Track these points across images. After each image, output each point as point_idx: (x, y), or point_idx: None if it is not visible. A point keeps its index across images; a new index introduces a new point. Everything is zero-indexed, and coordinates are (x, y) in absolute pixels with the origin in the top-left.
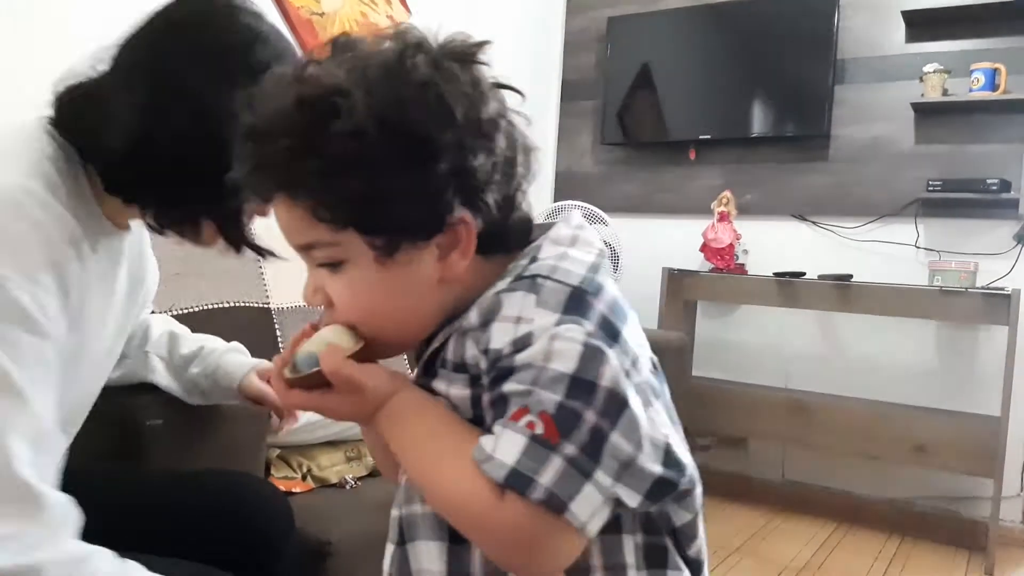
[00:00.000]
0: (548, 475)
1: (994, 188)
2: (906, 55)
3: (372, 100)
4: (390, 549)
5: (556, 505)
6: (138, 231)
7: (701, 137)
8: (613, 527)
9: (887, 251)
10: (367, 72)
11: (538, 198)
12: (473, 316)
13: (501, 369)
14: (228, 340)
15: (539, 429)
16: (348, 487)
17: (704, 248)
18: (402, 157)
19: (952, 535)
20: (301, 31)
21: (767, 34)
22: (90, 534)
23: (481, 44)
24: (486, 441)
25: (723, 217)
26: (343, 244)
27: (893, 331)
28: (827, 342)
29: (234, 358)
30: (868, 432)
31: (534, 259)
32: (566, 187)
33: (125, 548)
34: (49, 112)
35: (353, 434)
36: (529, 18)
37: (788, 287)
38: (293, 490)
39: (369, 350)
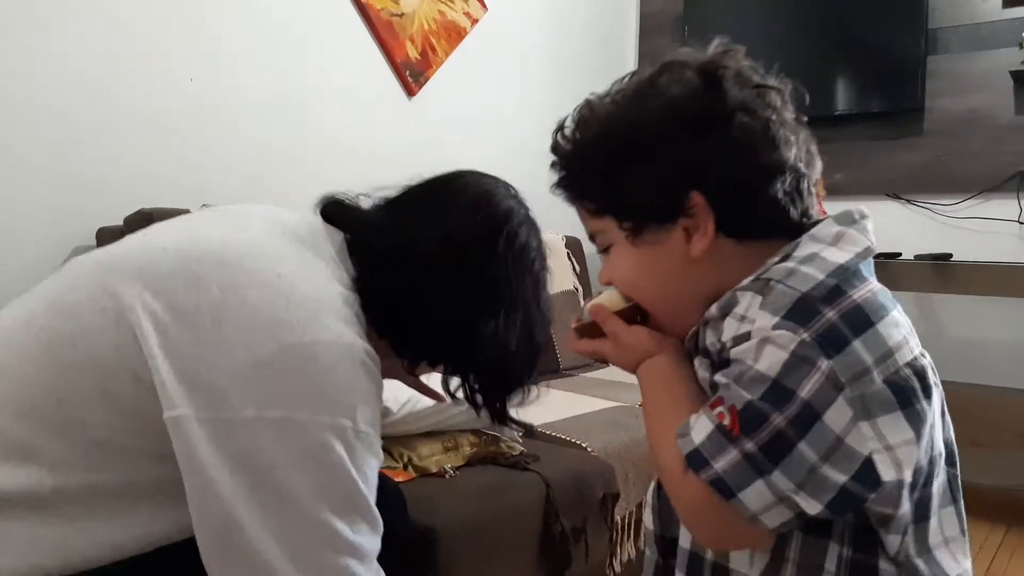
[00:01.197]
0: (721, 462)
1: None
2: (1003, 21)
3: (617, 111)
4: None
5: (723, 490)
6: None
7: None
8: (822, 530)
9: (988, 228)
10: (624, 92)
11: None
12: (714, 308)
13: (722, 360)
14: None
15: (725, 420)
16: (447, 476)
17: None
18: (628, 152)
19: None
20: (382, 32)
21: (853, 4)
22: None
23: (726, 53)
24: (691, 419)
25: None
26: (607, 230)
27: (996, 311)
28: (926, 324)
29: None
30: (971, 417)
31: (787, 256)
32: None
33: None
34: (342, 233)
35: (450, 425)
36: (603, 4)
37: (883, 268)
38: (396, 479)
39: (644, 315)
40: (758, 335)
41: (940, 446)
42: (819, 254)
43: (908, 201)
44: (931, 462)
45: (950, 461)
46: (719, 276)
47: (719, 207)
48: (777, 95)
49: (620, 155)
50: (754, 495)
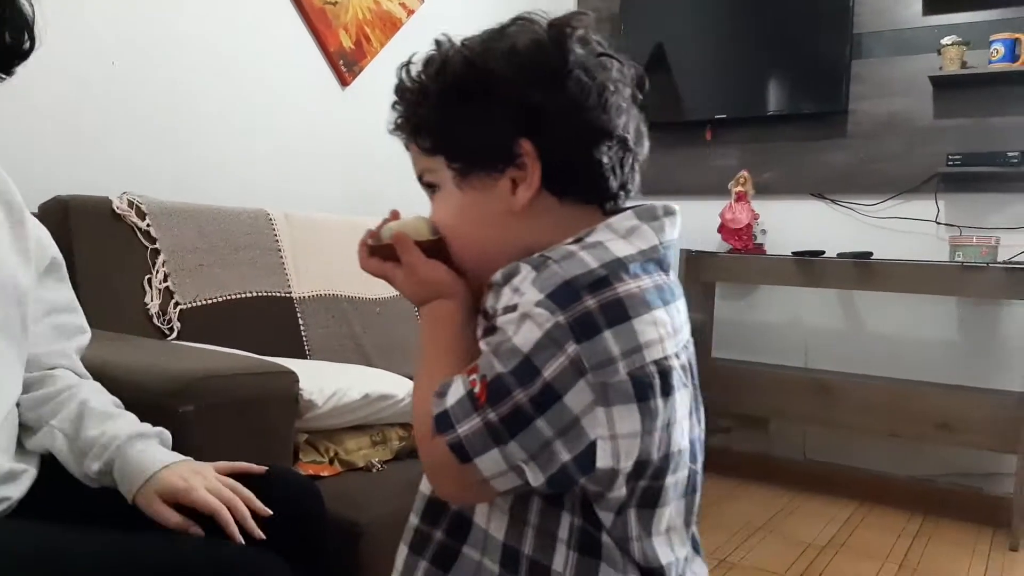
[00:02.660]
0: (464, 427)
1: (1015, 161)
2: (924, 28)
3: (462, 51)
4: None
5: (461, 454)
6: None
7: (717, 116)
8: (555, 501)
9: (907, 227)
10: (468, 38)
11: None
12: (499, 274)
13: (489, 326)
14: (253, 329)
15: (476, 388)
16: (374, 470)
17: (722, 229)
18: (467, 90)
19: (976, 512)
20: (316, 21)
21: (783, 9)
22: (128, 519)
23: (575, 15)
24: (451, 379)
25: (740, 197)
26: (436, 170)
27: (914, 308)
28: (847, 321)
29: (135, 458)
30: (890, 410)
31: (579, 239)
32: None
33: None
34: None
35: (378, 419)
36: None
37: (807, 266)
38: (321, 474)
39: (444, 251)
40: (522, 308)
41: (683, 443)
42: (604, 243)
43: (832, 201)
44: (667, 457)
45: (692, 458)
46: (534, 234)
47: (547, 160)
48: (619, 69)
49: (458, 92)
50: (489, 461)
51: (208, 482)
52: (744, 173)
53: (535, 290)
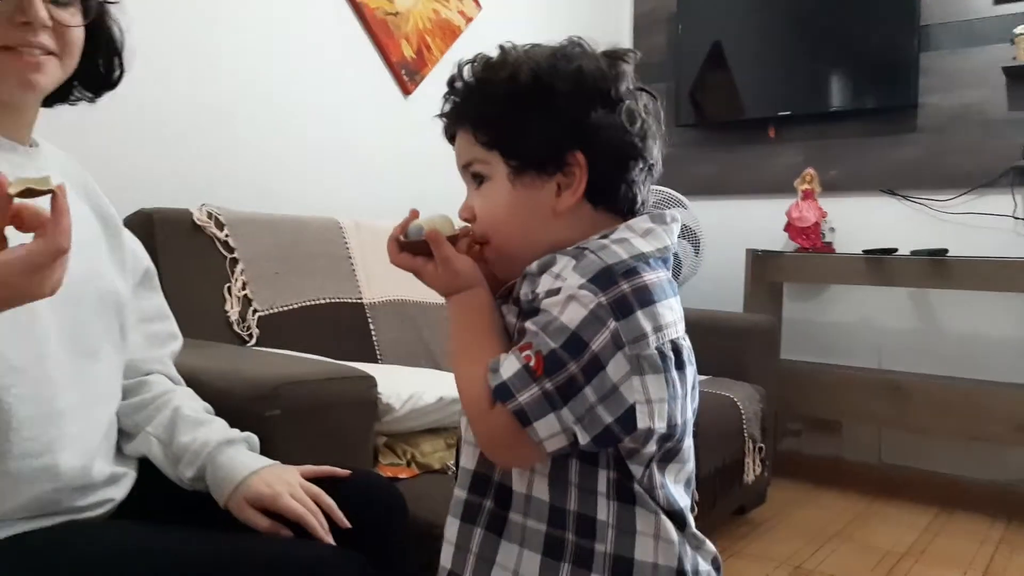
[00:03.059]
0: (524, 396)
1: None
2: (995, 17)
3: (530, 62)
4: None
5: (523, 418)
6: (76, 173)
7: (780, 114)
8: (590, 459)
9: (983, 223)
10: (537, 50)
11: None
12: (534, 265)
13: (533, 308)
14: (327, 335)
15: (532, 362)
16: (449, 472)
17: (788, 228)
18: (535, 98)
19: None
20: (378, 31)
21: (846, 2)
22: (219, 519)
23: (628, 51)
24: (500, 357)
25: (807, 195)
26: (489, 162)
27: (992, 306)
28: (922, 320)
29: (225, 464)
30: (968, 412)
31: (606, 235)
32: None
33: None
34: None
35: (453, 422)
36: (596, 4)
37: (879, 264)
38: (399, 476)
39: (467, 242)
40: (567, 291)
41: (689, 414)
42: (629, 240)
43: (903, 197)
44: (686, 422)
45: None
46: (570, 233)
47: (593, 171)
48: (652, 102)
49: (526, 98)
50: (544, 425)
51: (293, 489)
52: (810, 170)
53: (577, 276)
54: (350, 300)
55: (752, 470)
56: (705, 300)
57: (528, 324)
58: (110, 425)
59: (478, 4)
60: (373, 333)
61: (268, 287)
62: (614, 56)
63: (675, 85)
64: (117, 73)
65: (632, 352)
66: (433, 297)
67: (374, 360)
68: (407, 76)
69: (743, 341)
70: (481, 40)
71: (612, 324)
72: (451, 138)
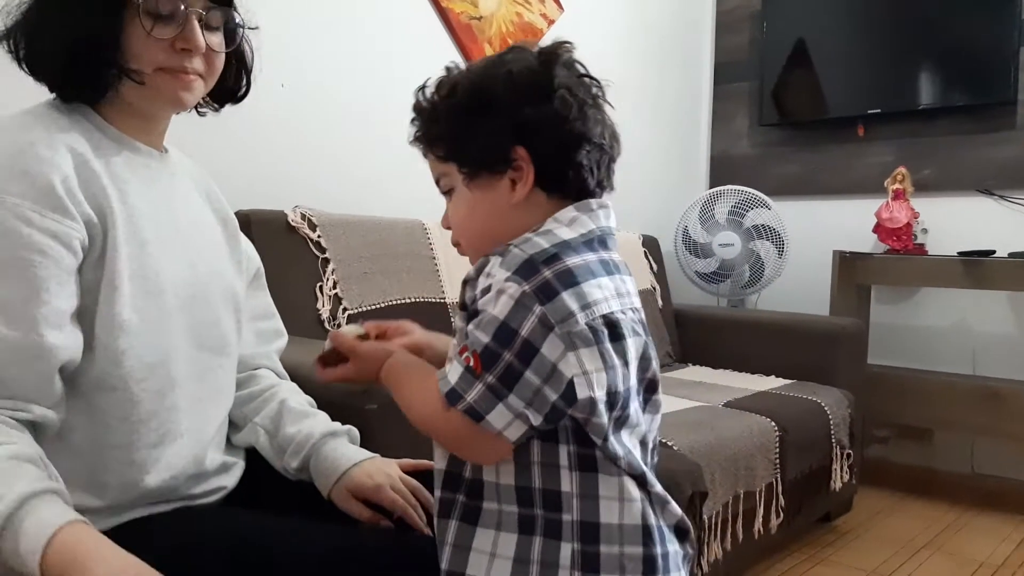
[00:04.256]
0: (472, 394)
1: None
2: None
3: (467, 76)
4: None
5: (475, 415)
6: (201, 177)
7: (869, 111)
8: (551, 437)
9: None
10: (472, 64)
11: (692, 184)
12: (472, 270)
13: (473, 311)
14: None
15: (472, 362)
16: None
17: (878, 229)
18: (472, 107)
19: None
20: (462, 35)
21: None
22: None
23: (562, 43)
24: (446, 367)
25: (898, 195)
26: (450, 175)
27: None
28: (1020, 324)
29: (329, 455)
30: None
31: (534, 230)
32: (721, 171)
33: None
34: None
35: None
36: (677, 3)
37: (974, 267)
38: None
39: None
40: (496, 287)
41: (632, 382)
42: (552, 231)
43: (1001, 197)
44: (628, 389)
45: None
46: (528, 222)
47: (538, 163)
48: (596, 87)
49: (465, 109)
50: (497, 416)
51: (393, 482)
52: (902, 170)
53: (503, 270)
54: (433, 299)
55: (840, 477)
56: (790, 302)
57: (469, 326)
58: (224, 417)
59: (560, 6)
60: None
61: (357, 286)
62: (547, 52)
63: (759, 85)
64: (244, 89)
65: (563, 331)
66: None
67: None
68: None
69: (830, 345)
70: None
71: (538, 309)
72: (425, 155)
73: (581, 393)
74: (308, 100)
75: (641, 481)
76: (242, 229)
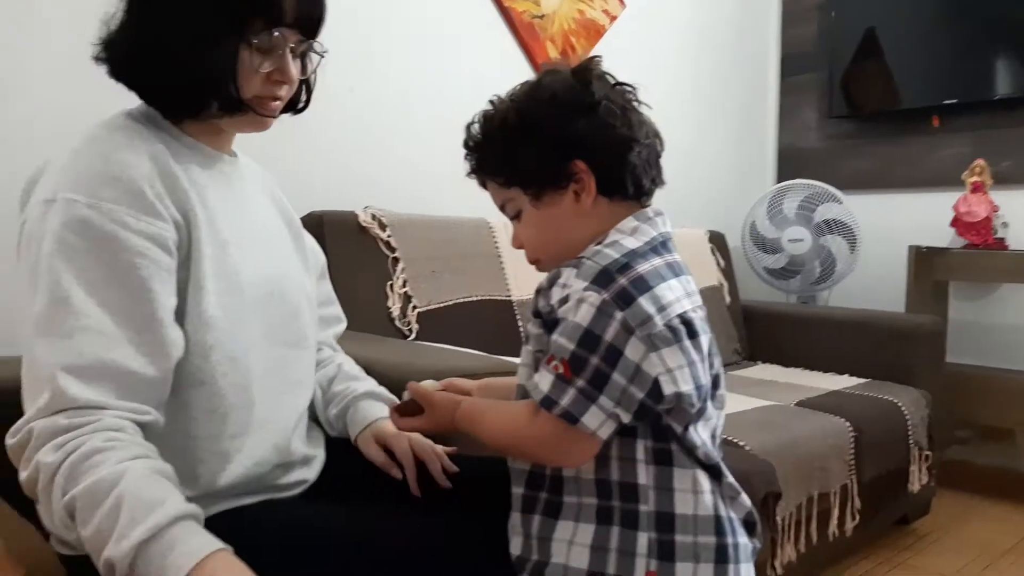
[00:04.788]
0: (565, 399)
1: None
2: None
3: (513, 104)
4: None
5: (570, 418)
6: (266, 180)
7: (945, 102)
8: (630, 433)
9: None
10: (513, 94)
11: (759, 178)
12: (544, 280)
13: (552, 320)
14: (478, 331)
15: (560, 370)
16: None
17: (956, 223)
18: (524, 133)
19: None
20: (524, 34)
21: None
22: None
23: (592, 58)
24: (536, 377)
25: (977, 188)
26: (515, 199)
27: None
28: None
29: (364, 408)
30: None
31: (599, 242)
32: (789, 165)
33: None
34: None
35: None
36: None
37: None
38: None
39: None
40: (575, 296)
41: (709, 377)
42: (619, 241)
43: None
44: (706, 385)
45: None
46: (596, 227)
47: (597, 171)
48: (630, 91)
49: (519, 136)
50: (591, 417)
51: (417, 438)
52: (980, 162)
53: (580, 281)
54: (500, 297)
55: (917, 479)
56: (863, 299)
57: (553, 337)
58: (305, 408)
59: (622, 2)
60: (521, 330)
61: (426, 284)
62: (581, 70)
63: (827, 75)
64: (304, 103)
65: (643, 333)
66: None
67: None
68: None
69: (906, 343)
70: (625, 37)
71: (619, 315)
72: (484, 185)
73: (667, 390)
74: (376, 102)
75: (715, 472)
76: (316, 229)
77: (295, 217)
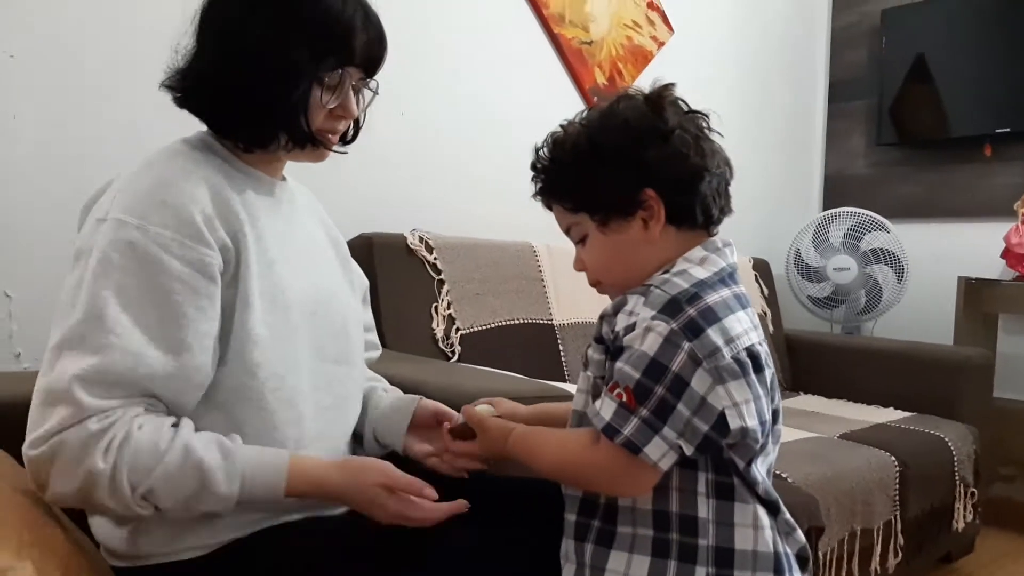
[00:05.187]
0: (628, 428)
1: None
2: None
3: (585, 130)
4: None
5: (633, 448)
6: (314, 203)
7: (997, 131)
8: (691, 465)
9: None
10: (591, 116)
11: (805, 205)
12: (609, 307)
13: (617, 347)
14: (520, 353)
15: (624, 398)
16: None
17: (1006, 254)
18: (596, 159)
19: None
20: (573, 60)
21: None
22: None
23: (667, 85)
24: (597, 405)
25: None
26: (581, 223)
27: None
28: None
29: (389, 424)
30: None
31: (667, 270)
32: (836, 192)
33: None
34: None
35: None
36: (792, 19)
37: None
38: None
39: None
40: (642, 324)
41: (770, 412)
42: (687, 270)
43: None
44: (769, 420)
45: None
46: (663, 255)
47: (667, 200)
48: (703, 119)
49: (590, 162)
50: (654, 448)
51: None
52: None
53: (648, 309)
54: (541, 321)
55: (963, 516)
56: (910, 331)
57: (617, 364)
58: (352, 425)
59: (671, 28)
60: (562, 353)
61: (470, 307)
62: (654, 97)
63: (877, 103)
64: (353, 136)
65: (710, 365)
66: None
67: (562, 379)
68: (599, 103)
69: (954, 376)
70: (673, 64)
71: (686, 345)
72: (549, 207)
73: (733, 424)
74: (426, 127)
75: (773, 508)
76: (364, 251)
77: (341, 239)
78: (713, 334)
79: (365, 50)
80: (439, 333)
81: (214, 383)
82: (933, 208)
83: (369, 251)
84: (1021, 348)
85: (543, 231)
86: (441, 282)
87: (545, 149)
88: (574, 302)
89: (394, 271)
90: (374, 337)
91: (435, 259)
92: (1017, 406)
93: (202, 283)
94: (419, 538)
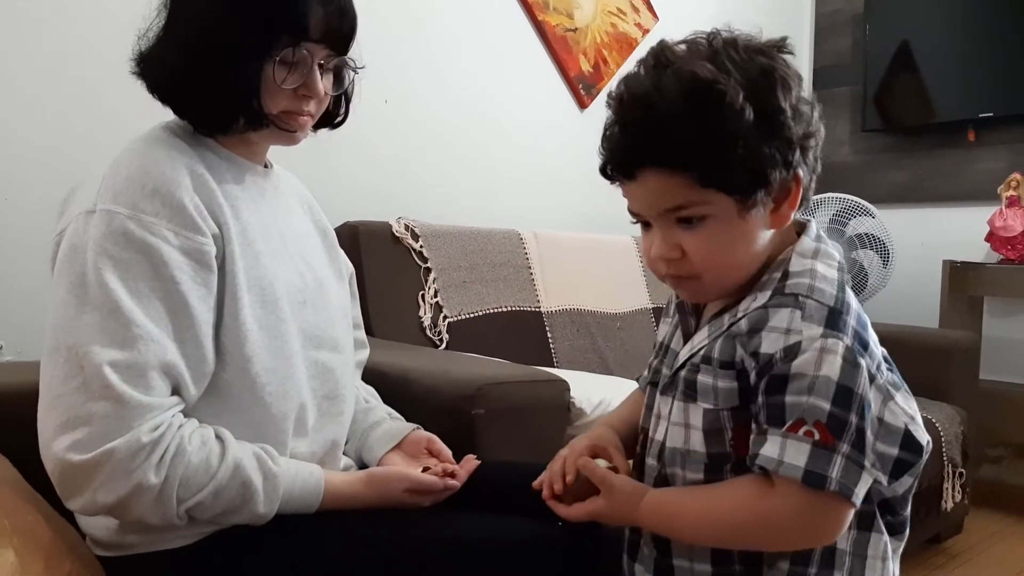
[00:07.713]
0: (836, 471)
1: None
2: None
3: (734, 82)
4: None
5: (846, 492)
6: (301, 191)
7: (981, 115)
8: None
9: None
10: (727, 65)
11: None
12: (743, 324)
13: (776, 376)
14: (507, 341)
15: (817, 436)
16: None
17: (991, 238)
18: (769, 129)
19: None
20: (557, 48)
21: None
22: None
23: (783, 39)
24: (769, 450)
25: (1013, 202)
26: (711, 202)
27: None
28: None
29: (376, 438)
30: None
31: (786, 272)
32: (822, 179)
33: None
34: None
35: None
36: (776, 6)
37: None
38: None
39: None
40: (812, 345)
41: None
42: (816, 270)
43: None
44: None
45: None
46: (768, 244)
47: (806, 183)
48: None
49: (751, 132)
50: (863, 485)
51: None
52: (1016, 176)
53: (814, 326)
54: (529, 308)
55: (951, 497)
56: (896, 315)
57: (788, 399)
58: (350, 412)
59: (655, 16)
60: (550, 340)
61: (457, 295)
62: (786, 53)
63: (861, 90)
64: (341, 117)
65: (880, 380)
66: (607, 307)
67: (551, 366)
68: (584, 90)
69: (940, 359)
70: None
71: (862, 362)
72: (630, 177)
73: (921, 438)
74: (410, 114)
75: (901, 528)
76: (350, 239)
77: (329, 228)
78: (873, 344)
79: (323, 26)
80: (426, 321)
81: (213, 377)
82: (918, 193)
83: (355, 239)
84: (1006, 331)
85: (530, 218)
86: (428, 270)
87: (672, 103)
88: (562, 289)
89: (380, 259)
90: (361, 335)
91: (421, 247)
92: (1002, 388)
93: (201, 272)
94: (415, 525)
